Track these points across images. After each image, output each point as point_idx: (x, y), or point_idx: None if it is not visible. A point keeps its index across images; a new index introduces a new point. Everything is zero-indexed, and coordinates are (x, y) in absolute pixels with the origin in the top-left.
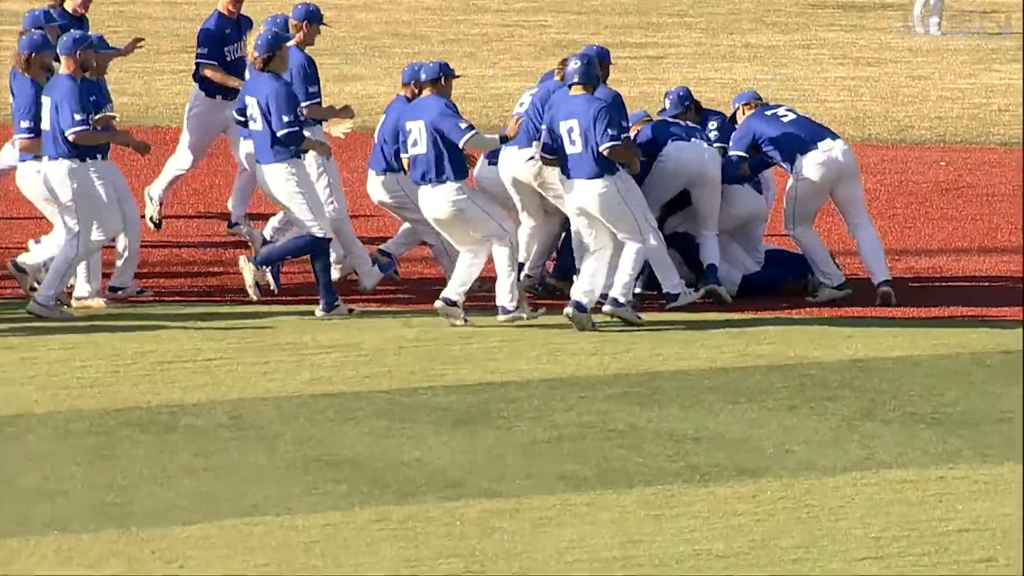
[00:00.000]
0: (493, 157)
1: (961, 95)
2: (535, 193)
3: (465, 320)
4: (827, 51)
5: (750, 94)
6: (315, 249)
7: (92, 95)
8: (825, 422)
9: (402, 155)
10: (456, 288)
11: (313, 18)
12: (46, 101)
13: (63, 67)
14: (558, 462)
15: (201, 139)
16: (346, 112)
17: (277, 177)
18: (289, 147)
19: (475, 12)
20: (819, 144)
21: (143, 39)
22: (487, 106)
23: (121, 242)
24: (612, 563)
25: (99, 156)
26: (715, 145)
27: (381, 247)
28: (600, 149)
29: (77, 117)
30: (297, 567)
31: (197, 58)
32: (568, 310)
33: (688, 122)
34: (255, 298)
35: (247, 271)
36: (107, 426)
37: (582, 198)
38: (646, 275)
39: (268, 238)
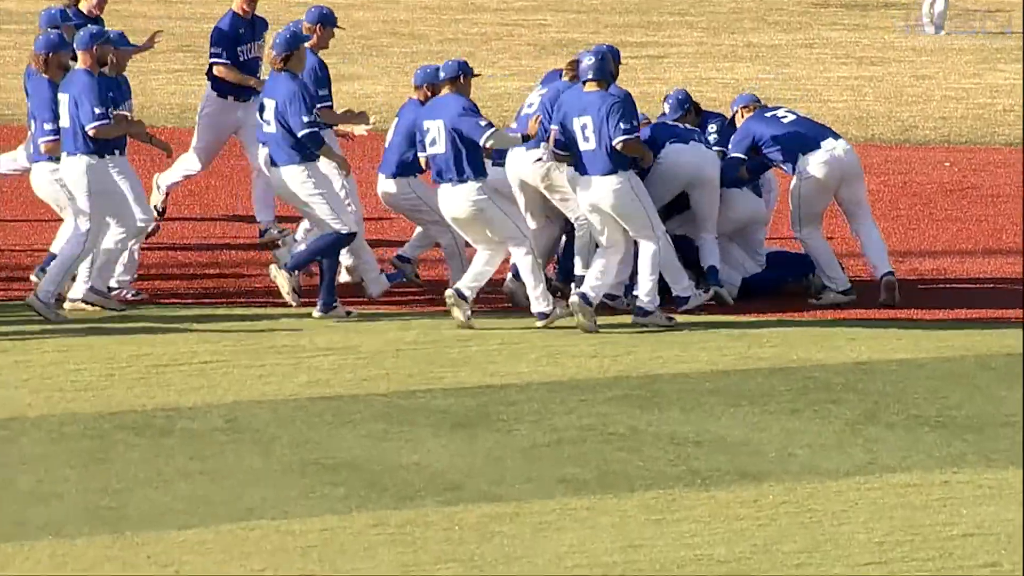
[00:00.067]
0: (499, 158)
1: (966, 95)
2: (539, 195)
3: (469, 318)
4: (830, 50)
5: (748, 97)
6: (342, 245)
7: (110, 91)
8: (828, 425)
9: (419, 154)
10: (469, 282)
11: (327, 21)
12: (63, 98)
13: (80, 62)
14: (558, 466)
15: (212, 140)
16: (362, 118)
17: (294, 179)
18: (307, 148)
19: (474, 11)
20: (822, 143)
21: (161, 32)
22: (486, 105)
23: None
24: (612, 568)
25: (117, 152)
26: (714, 148)
27: (399, 252)
28: (613, 143)
29: (97, 111)
30: (294, 572)
31: (210, 57)
32: (573, 298)
33: (687, 125)
34: (294, 304)
35: (281, 278)
36: (102, 429)
37: (596, 195)
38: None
39: (298, 239)
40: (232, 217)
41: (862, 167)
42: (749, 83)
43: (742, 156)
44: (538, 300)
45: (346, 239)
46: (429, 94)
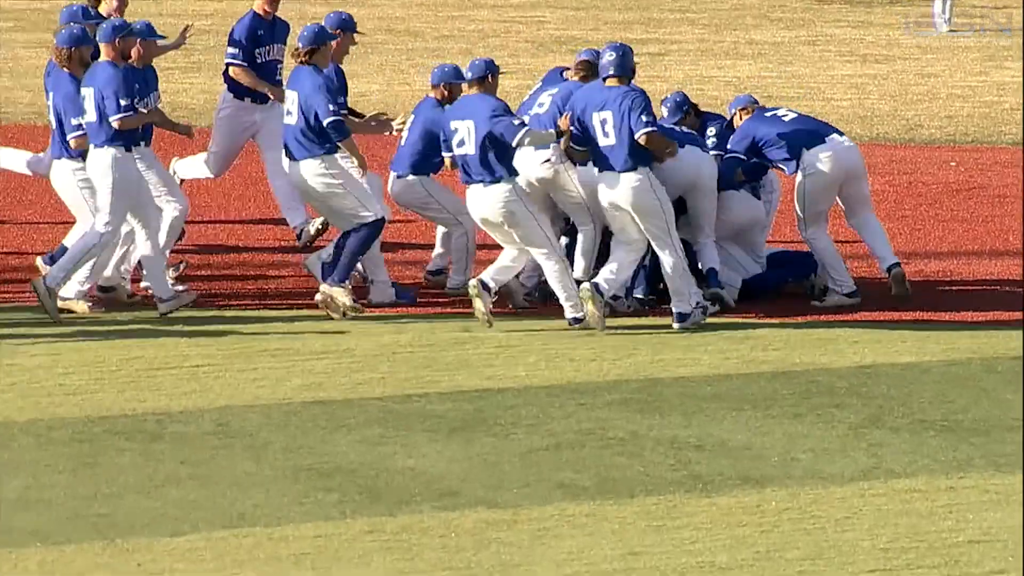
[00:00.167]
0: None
1: (972, 93)
2: (546, 197)
3: (489, 315)
4: (834, 48)
5: (746, 98)
6: (375, 235)
7: (136, 82)
8: (832, 430)
9: (445, 155)
10: (494, 274)
11: (347, 26)
12: (87, 92)
13: (103, 55)
14: (556, 471)
15: (228, 145)
16: (385, 126)
17: (311, 172)
18: (329, 140)
19: (471, 8)
20: (826, 138)
21: (191, 26)
22: None
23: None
24: (612, 575)
25: (143, 143)
26: (712, 152)
27: (428, 268)
28: (637, 136)
29: (123, 103)
30: None
31: (227, 57)
32: (586, 286)
33: (685, 127)
34: (356, 312)
35: (338, 293)
36: (91, 434)
37: (616, 192)
38: (645, 282)
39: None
40: (224, 220)
41: (866, 166)
42: (751, 81)
43: (740, 155)
44: (571, 308)
45: (377, 226)
46: (446, 93)
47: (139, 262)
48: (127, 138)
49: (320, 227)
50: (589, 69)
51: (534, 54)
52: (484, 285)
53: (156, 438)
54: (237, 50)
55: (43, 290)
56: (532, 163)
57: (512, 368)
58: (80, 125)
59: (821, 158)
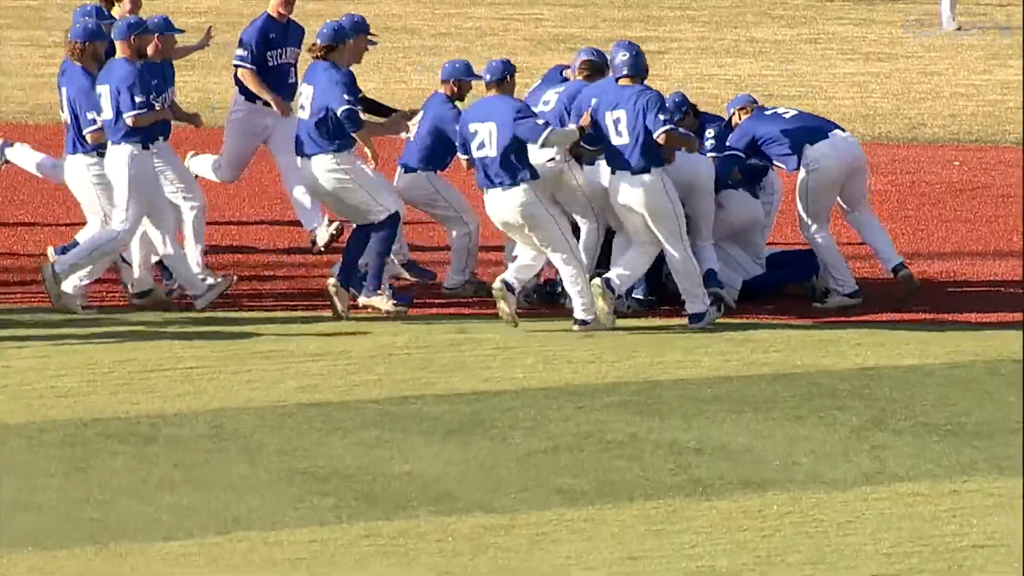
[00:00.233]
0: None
1: (976, 92)
2: (551, 195)
3: (515, 316)
4: (836, 46)
5: (745, 98)
6: (394, 231)
7: (153, 78)
8: (833, 433)
9: (460, 156)
10: (515, 273)
11: (359, 28)
12: (103, 90)
13: (118, 52)
14: (555, 474)
15: (240, 150)
16: (401, 126)
17: (322, 167)
18: (342, 136)
19: (468, 5)
20: (828, 134)
21: (215, 27)
22: None
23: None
24: None
25: (160, 139)
26: (710, 154)
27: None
28: (655, 135)
29: (138, 100)
30: None
31: (235, 59)
32: (596, 281)
33: (684, 128)
34: (406, 311)
35: (379, 302)
36: (84, 437)
37: (629, 193)
38: (645, 282)
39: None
40: (220, 222)
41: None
42: (752, 79)
43: (739, 153)
44: (582, 310)
45: (393, 223)
46: (456, 89)
47: (159, 263)
48: (144, 135)
49: (334, 232)
50: (593, 69)
51: (532, 52)
52: (508, 286)
53: (149, 441)
54: (245, 52)
55: (49, 274)
56: (537, 162)
57: (509, 370)
58: (95, 120)
59: (825, 153)
